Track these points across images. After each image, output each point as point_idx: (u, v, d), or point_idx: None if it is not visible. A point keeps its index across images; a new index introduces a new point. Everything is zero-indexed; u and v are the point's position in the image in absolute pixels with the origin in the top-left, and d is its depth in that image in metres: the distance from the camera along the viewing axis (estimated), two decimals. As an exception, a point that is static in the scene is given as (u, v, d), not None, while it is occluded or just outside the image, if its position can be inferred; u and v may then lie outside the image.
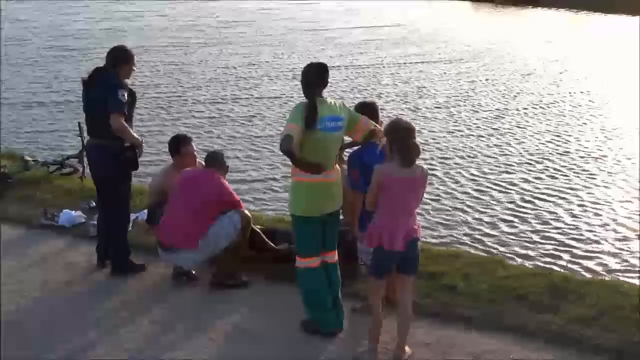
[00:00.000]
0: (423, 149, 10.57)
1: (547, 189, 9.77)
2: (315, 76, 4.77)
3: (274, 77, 17.18)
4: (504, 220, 8.71)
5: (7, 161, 9.07)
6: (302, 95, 4.80)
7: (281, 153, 4.69)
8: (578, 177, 10.26)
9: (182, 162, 6.09)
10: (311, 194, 4.78)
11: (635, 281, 6.89)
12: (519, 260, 7.51)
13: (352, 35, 23.37)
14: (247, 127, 12.96)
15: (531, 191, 9.67)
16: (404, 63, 18.71)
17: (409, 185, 4.41)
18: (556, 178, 10.20)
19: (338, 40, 22.47)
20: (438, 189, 9.67)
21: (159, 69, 18.05)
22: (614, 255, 7.86)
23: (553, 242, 8.14)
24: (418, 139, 4.54)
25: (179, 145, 6.20)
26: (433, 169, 10.25)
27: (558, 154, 11.28)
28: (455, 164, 10.80)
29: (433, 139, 12.06)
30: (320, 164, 4.66)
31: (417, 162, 4.45)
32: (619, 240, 8.26)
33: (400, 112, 13.39)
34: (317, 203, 4.81)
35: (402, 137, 4.40)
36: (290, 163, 4.79)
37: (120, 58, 5.81)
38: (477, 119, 13.34)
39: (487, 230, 8.44)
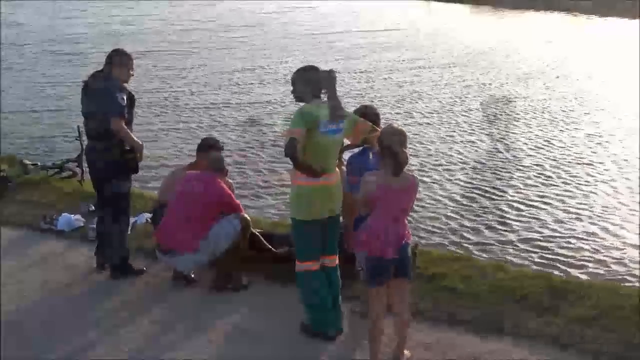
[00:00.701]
0: (416, 154, 10.65)
1: (540, 195, 9.59)
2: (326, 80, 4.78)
3: (266, 83, 17.05)
4: (496, 228, 8.49)
5: (6, 165, 9.05)
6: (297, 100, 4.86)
7: (285, 157, 4.72)
8: (571, 182, 10.12)
9: (199, 162, 6.05)
10: (312, 197, 4.79)
11: (634, 284, 6.89)
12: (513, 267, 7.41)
13: (351, 39, 23.35)
14: (239, 132, 12.85)
15: (523, 198, 9.49)
16: (398, 69, 18.68)
17: (401, 193, 4.40)
18: (548, 184, 10.06)
19: (336, 44, 22.46)
20: (429, 195, 9.49)
21: (154, 73, 17.95)
22: (608, 262, 7.65)
23: (546, 249, 7.95)
24: (410, 145, 4.51)
25: (211, 147, 6.10)
26: (425, 175, 10.15)
27: (551, 159, 11.17)
28: (446, 169, 10.65)
29: (425, 144, 11.96)
30: (320, 167, 4.68)
31: (409, 169, 4.43)
32: (615, 246, 8.07)
33: (394, 118, 13.34)
34: (318, 206, 4.82)
35: (392, 143, 4.37)
36: (288, 168, 4.80)
37: (119, 61, 5.82)
38: (470, 124, 13.27)
39: (479, 239, 8.22)
